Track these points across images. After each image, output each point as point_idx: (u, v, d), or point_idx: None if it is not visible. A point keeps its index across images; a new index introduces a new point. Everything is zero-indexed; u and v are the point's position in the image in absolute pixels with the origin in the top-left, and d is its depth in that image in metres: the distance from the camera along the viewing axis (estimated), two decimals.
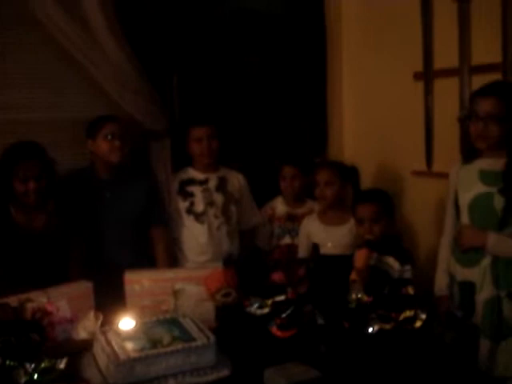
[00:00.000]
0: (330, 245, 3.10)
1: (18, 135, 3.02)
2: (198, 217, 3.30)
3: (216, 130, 3.30)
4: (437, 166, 3.31)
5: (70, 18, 3.14)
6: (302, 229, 3.31)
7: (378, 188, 3.08)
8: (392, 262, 2.70)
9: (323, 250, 3.13)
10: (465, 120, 2.63)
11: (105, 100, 3.35)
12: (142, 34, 3.36)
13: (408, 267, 2.66)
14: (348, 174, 3.25)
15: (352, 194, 3.25)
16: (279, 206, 3.55)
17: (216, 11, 3.67)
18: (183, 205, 3.31)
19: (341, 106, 3.97)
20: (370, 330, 2.22)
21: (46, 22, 3.14)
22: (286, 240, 3.45)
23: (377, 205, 2.84)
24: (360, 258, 2.66)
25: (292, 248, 3.35)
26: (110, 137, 3.07)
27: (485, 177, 2.49)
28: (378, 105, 3.71)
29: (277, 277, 2.71)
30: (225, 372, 2.07)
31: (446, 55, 3.17)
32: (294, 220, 3.47)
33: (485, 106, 2.43)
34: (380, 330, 2.24)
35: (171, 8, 3.50)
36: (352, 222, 3.04)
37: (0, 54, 3.30)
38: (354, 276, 2.59)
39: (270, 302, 2.46)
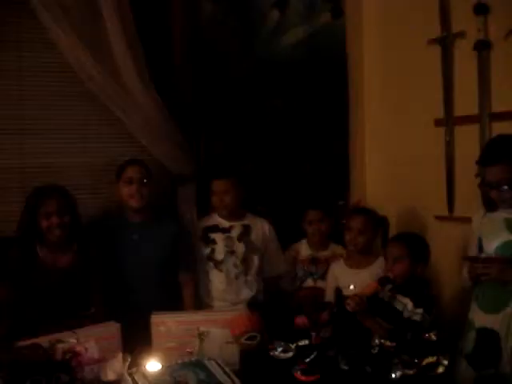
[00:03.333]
0: (352, 287, 3.12)
1: (51, 179, 3.14)
2: (217, 264, 3.33)
3: (232, 184, 3.31)
4: (458, 211, 3.34)
5: (99, 62, 3.25)
6: (330, 273, 3.35)
7: (411, 232, 3.10)
8: (406, 302, 2.72)
9: (346, 292, 3.14)
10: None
11: (134, 146, 3.46)
12: (169, 83, 3.46)
13: (419, 311, 2.65)
14: (378, 222, 3.30)
15: (380, 242, 3.28)
16: (303, 249, 3.57)
17: (242, 62, 3.78)
18: (204, 251, 3.35)
19: (363, 149, 4.03)
20: (393, 375, 2.24)
21: (75, 66, 3.25)
22: (309, 283, 3.46)
23: (402, 245, 2.88)
24: (366, 287, 2.73)
25: (316, 291, 3.35)
26: (129, 181, 3.15)
27: (511, 225, 2.53)
28: (400, 150, 3.75)
29: (300, 321, 2.73)
30: None
31: (466, 102, 3.22)
32: (317, 263, 3.49)
33: (494, 175, 2.49)
34: (403, 376, 2.26)
35: (198, 58, 3.62)
36: (377, 264, 3.10)
37: (32, 101, 3.43)
38: (349, 300, 2.67)
39: (293, 346, 2.50)
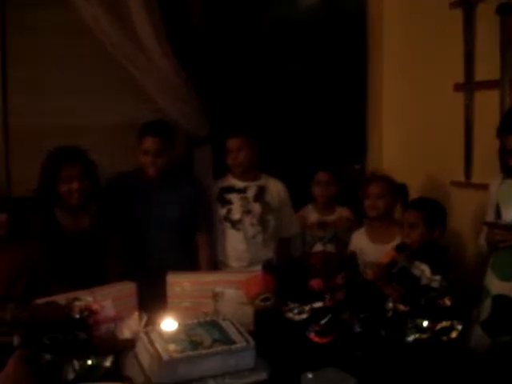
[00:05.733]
0: None
1: (64, 140, 3.12)
2: (234, 224, 3.35)
3: (247, 141, 3.31)
4: (476, 178, 3.32)
5: (117, 24, 3.23)
6: (351, 243, 3.34)
7: (428, 197, 3.07)
8: (424, 268, 2.72)
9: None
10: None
11: (150, 106, 3.44)
12: (186, 45, 3.43)
13: (437, 277, 2.65)
14: (398, 190, 3.27)
15: (401, 212, 3.27)
16: (310, 214, 3.59)
17: (258, 21, 3.73)
18: (221, 212, 3.36)
19: (380, 113, 3.99)
20: (407, 339, 2.25)
21: (93, 28, 3.22)
22: (318, 247, 3.49)
23: (417, 211, 2.87)
24: (384, 256, 2.74)
25: (327, 255, 3.37)
26: (145, 151, 3.14)
27: None
28: (417, 114, 3.72)
29: (315, 284, 2.74)
30: (263, 375, 2.11)
31: (487, 67, 3.18)
32: (324, 227, 3.52)
33: None
34: (416, 340, 2.27)
35: (215, 19, 3.58)
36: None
37: (46, 60, 3.43)
38: (367, 268, 2.69)
39: (308, 308, 2.51)
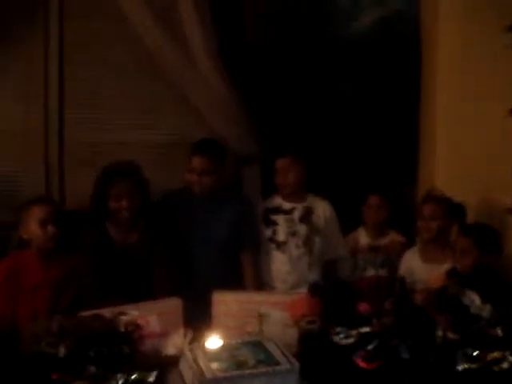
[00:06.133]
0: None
1: (117, 155, 3.18)
2: (279, 246, 3.33)
3: (297, 162, 3.30)
4: None
5: (169, 37, 3.27)
6: (403, 263, 3.29)
7: (480, 223, 3.01)
8: (474, 297, 2.64)
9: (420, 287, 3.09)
10: None
11: (200, 124, 3.47)
12: (239, 62, 3.45)
13: (487, 307, 2.58)
14: (455, 211, 3.20)
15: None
16: (362, 237, 3.54)
17: (306, 40, 3.73)
18: (266, 232, 3.34)
19: (433, 136, 3.90)
20: (458, 368, 2.18)
21: (146, 41, 3.28)
22: (370, 271, 3.43)
23: (469, 237, 2.81)
24: (434, 281, 2.69)
25: (379, 279, 3.32)
26: (192, 170, 3.15)
27: None
28: (471, 138, 3.62)
29: (363, 308, 2.69)
30: None
31: None
32: (376, 251, 3.46)
33: None
34: (466, 369, 2.20)
35: (268, 37, 3.59)
36: None
37: (102, 75, 3.50)
38: (417, 294, 2.62)
39: (355, 332, 2.46)
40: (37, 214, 2.85)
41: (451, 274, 2.69)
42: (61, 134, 3.56)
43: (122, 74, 3.55)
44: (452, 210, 3.19)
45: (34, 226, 2.83)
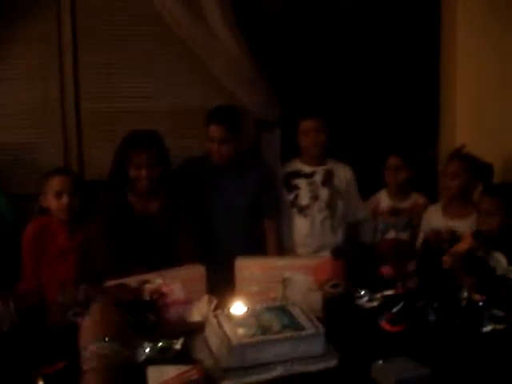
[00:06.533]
0: None
1: (135, 124, 3.17)
2: (302, 210, 3.31)
3: (324, 123, 3.27)
4: None
5: (188, 11, 3.23)
6: (425, 218, 3.28)
7: (509, 183, 2.97)
8: (501, 258, 2.61)
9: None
10: None
11: (219, 91, 3.44)
12: (257, 28, 3.40)
13: None
14: (481, 170, 3.14)
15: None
16: (383, 200, 3.50)
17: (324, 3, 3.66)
18: (288, 197, 3.32)
19: (454, 97, 3.83)
20: (484, 329, 2.17)
21: (164, 14, 3.24)
22: (391, 234, 3.40)
23: (493, 199, 2.76)
24: (462, 243, 2.64)
25: (399, 242, 3.30)
26: (211, 139, 3.11)
27: None
28: (495, 98, 3.57)
29: (385, 271, 2.68)
30: (332, 363, 2.07)
31: None
32: (397, 214, 3.43)
33: None
34: (493, 330, 2.19)
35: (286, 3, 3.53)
36: (475, 216, 2.95)
37: (120, 45, 3.47)
38: (445, 257, 2.57)
39: (379, 295, 2.46)
40: (53, 184, 2.88)
41: (477, 235, 2.65)
42: (77, 106, 3.55)
43: (139, 44, 3.52)
44: (478, 169, 3.13)
45: (50, 197, 2.88)
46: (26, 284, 2.81)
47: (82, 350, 1.86)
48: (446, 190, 3.18)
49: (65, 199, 2.86)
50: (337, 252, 2.97)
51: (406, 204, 3.45)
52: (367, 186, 3.52)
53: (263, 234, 3.27)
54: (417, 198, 3.45)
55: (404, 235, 3.38)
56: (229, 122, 3.11)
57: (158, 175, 2.93)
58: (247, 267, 2.63)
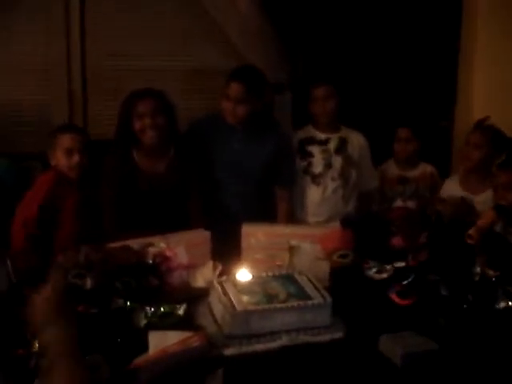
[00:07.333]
0: None
1: (141, 83, 3.07)
2: (315, 178, 3.24)
3: (333, 90, 3.19)
4: None
5: None
6: (443, 190, 3.22)
7: None
8: None
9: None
10: None
11: (231, 53, 3.36)
12: None
13: None
14: (504, 144, 3.06)
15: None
16: (391, 168, 3.47)
17: None
18: (301, 164, 3.24)
19: (473, 68, 3.74)
20: (497, 306, 2.10)
21: None
22: (398, 203, 3.36)
23: (509, 172, 2.68)
24: (485, 217, 2.55)
25: (409, 212, 3.21)
26: (229, 97, 2.99)
27: None
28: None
29: (396, 242, 2.62)
30: (339, 334, 2.02)
31: None
32: (405, 183, 3.39)
33: None
34: (506, 307, 2.12)
35: None
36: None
37: (125, 4, 3.37)
38: (472, 231, 2.48)
39: (389, 267, 2.39)
40: (63, 142, 2.82)
41: (499, 210, 2.56)
42: (83, 64, 3.45)
43: (150, 2, 3.42)
44: (501, 143, 3.05)
45: (60, 155, 2.81)
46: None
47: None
48: (466, 161, 3.12)
49: (76, 158, 2.80)
50: (346, 221, 2.90)
51: (414, 173, 3.43)
52: (378, 155, 3.45)
53: (274, 202, 3.19)
54: (426, 168, 3.43)
55: (411, 204, 3.35)
56: (249, 82, 2.99)
57: (163, 125, 2.84)
58: (253, 234, 2.58)
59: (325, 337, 2.01)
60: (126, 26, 3.43)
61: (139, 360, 1.72)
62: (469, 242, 2.46)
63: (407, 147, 3.38)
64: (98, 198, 2.89)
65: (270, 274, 2.25)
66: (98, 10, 3.39)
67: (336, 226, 2.73)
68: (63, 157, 2.80)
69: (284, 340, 1.96)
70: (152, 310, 2.00)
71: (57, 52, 3.39)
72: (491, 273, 2.28)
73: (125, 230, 2.69)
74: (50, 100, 3.46)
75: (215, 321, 2.05)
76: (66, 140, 2.82)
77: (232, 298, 2.02)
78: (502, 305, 2.12)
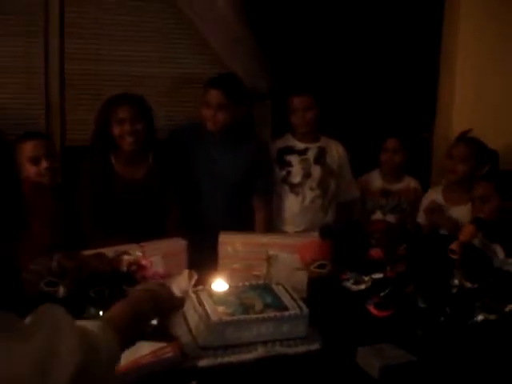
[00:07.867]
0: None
1: (120, 88, 3.04)
2: (294, 187, 3.22)
3: (312, 101, 3.18)
4: None
5: None
6: (425, 199, 3.22)
7: (503, 170, 2.91)
8: (498, 250, 2.53)
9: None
10: None
11: (212, 61, 3.35)
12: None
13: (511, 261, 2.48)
14: (487, 157, 3.08)
15: None
16: (374, 180, 3.45)
17: None
18: (279, 174, 3.23)
19: (453, 80, 3.75)
20: (475, 319, 2.09)
21: None
22: (378, 216, 3.35)
23: (488, 184, 2.68)
24: (466, 231, 2.53)
25: (389, 225, 3.21)
26: (207, 104, 2.99)
27: None
28: (492, 85, 3.52)
29: (375, 253, 2.60)
30: (315, 345, 1.99)
31: None
32: (388, 196, 3.37)
33: None
34: (484, 320, 2.11)
35: None
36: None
37: (112, 9, 3.34)
38: (454, 246, 2.46)
39: (367, 278, 2.37)
40: (26, 151, 2.70)
41: (478, 223, 2.55)
42: (62, 68, 3.39)
43: (126, 3, 3.38)
44: (484, 155, 3.07)
45: (26, 164, 2.69)
46: None
47: None
48: (450, 174, 3.12)
49: (44, 164, 2.71)
50: (325, 231, 2.88)
51: (397, 186, 3.41)
52: (360, 166, 3.44)
53: (252, 212, 3.17)
54: (410, 182, 3.41)
55: (391, 218, 3.33)
56: (228, 89, 2.99)
57: (142, 132, 2.82)
58: (230, 243, 2.54)
59: (301, 348, 1.98)
60: (106, 31, 3.39)
61: None
62: (452, 256, 2.45)
63: (394, 158, 3.37)
64: (76, 203, 2.84)
65: (247, 283, 2.22)
66: (78, 15, 3.34)
67: (314, 235, 2.70)
68: (30, 166, 2.69)
69: (260, 351, 1.92)
70: None
71: (35, 56, 3.33)
72: (469, 285, 2.27)
73: (103, 236, 2.66)
74: (27, 105, 3.40)
75: (190, 331, 2.01)
76: (28, 148, 2.71)
77: (207, 308, 1.98)
78: (480, 318, 2.11)
